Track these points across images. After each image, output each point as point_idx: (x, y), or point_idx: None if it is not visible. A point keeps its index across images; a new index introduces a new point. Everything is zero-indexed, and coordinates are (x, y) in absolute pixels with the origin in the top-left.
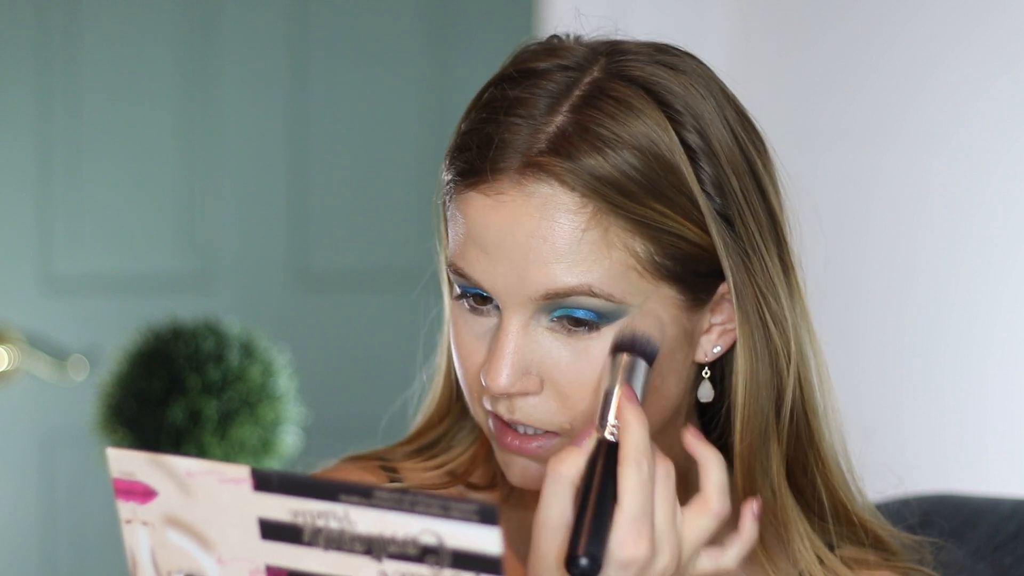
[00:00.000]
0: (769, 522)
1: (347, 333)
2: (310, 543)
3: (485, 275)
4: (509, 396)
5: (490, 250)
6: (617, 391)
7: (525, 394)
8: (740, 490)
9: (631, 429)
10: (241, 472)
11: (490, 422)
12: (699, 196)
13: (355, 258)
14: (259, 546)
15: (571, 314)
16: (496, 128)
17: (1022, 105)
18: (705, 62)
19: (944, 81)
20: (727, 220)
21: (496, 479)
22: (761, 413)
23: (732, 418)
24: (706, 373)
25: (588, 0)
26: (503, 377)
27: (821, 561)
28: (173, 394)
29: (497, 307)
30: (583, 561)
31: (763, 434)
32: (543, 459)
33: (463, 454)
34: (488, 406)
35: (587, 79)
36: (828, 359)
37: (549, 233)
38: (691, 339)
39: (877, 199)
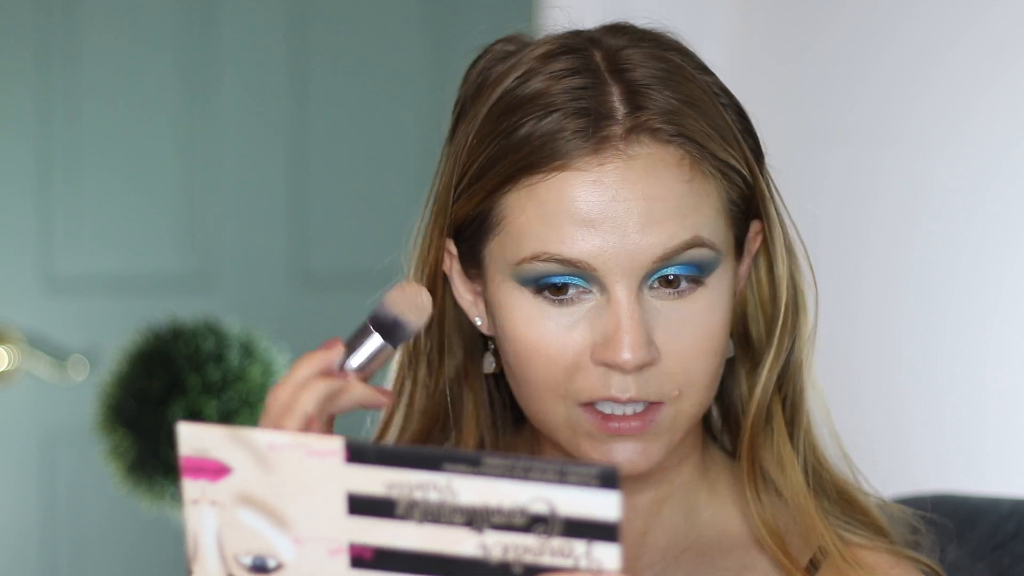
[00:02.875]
0: (765, 483)
1: (347, 333)
2: (404, 517)
3: (593, 253)
4: (635, 371)
5: (597, 224)
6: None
7: (649, 366)
8: (747, 448)
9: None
10: (333, 444)
11: (583, 416)
12: (736, 130)
13: (355, 258)
14: (345, 522)
15: (667, 274)
16: (553, 113)
17: (1023, 104)
18: (703, 60)
19: (945, 81)
20: (757, 155)
21: None
22: (783, 359)
23: (739, 371)
24: None
25: (587, 1)
26: (635, 350)
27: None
28: (173, 394)
29: (586, 290)
30: None
31: (773, 388)
32: (643, 445)
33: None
34: (584, 398)
35: (596, 56)
36: (829, 359)
37: (661, 191)
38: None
39: (878, 199)
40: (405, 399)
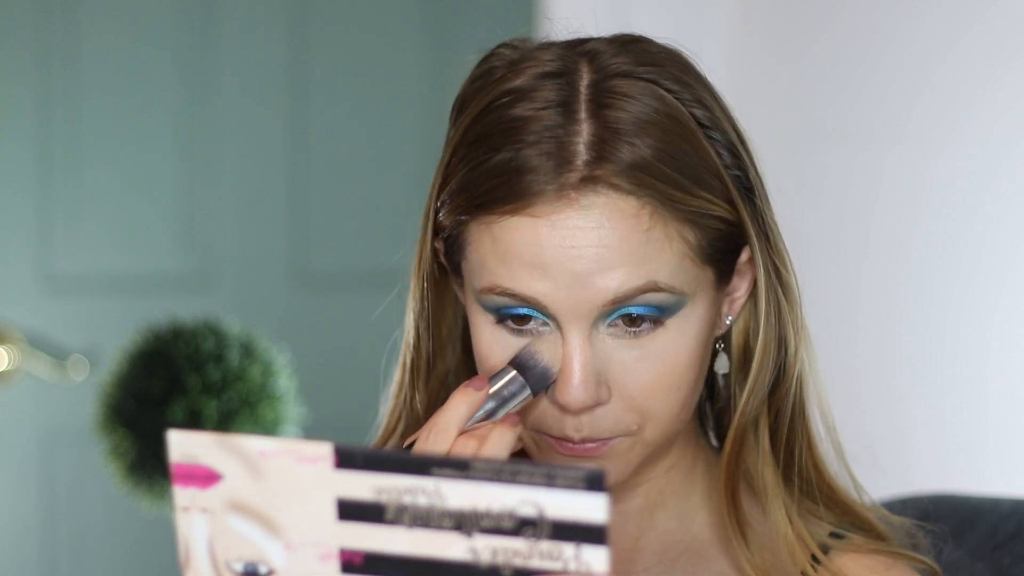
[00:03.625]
0: (749, 492)
1: (347, 333)
2: (393, 522)
3: (544, 293)
4: (585, 412)
5: (549, 268)
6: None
7: (599, 405)
8: (727, 461)
9: (491, 444)
10: (322, 450)
11: (543, 438)
12: (722, 169)
13: (355, 258)
14: (334, 528)
15: (629, 312)
16: (519, 152)
17: (1023, 104)
18: (703, 61)
19: (945, 81)
20: (748, 189)
21: None
22: (767, 378)
23: (734, 385)
24: (720, 346)
25: (588, 3)
26: (581, 392)
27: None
28: (173, 394)
29: (544, 323)
30: None
31: (762, 403)
32: (606, 459)
33: None
34: (544, 430)
35: (583, 83)
36: (829, 359)
37: (615, 240)
38: (718, 316)
39: (878, 199)
40: (405, 405)
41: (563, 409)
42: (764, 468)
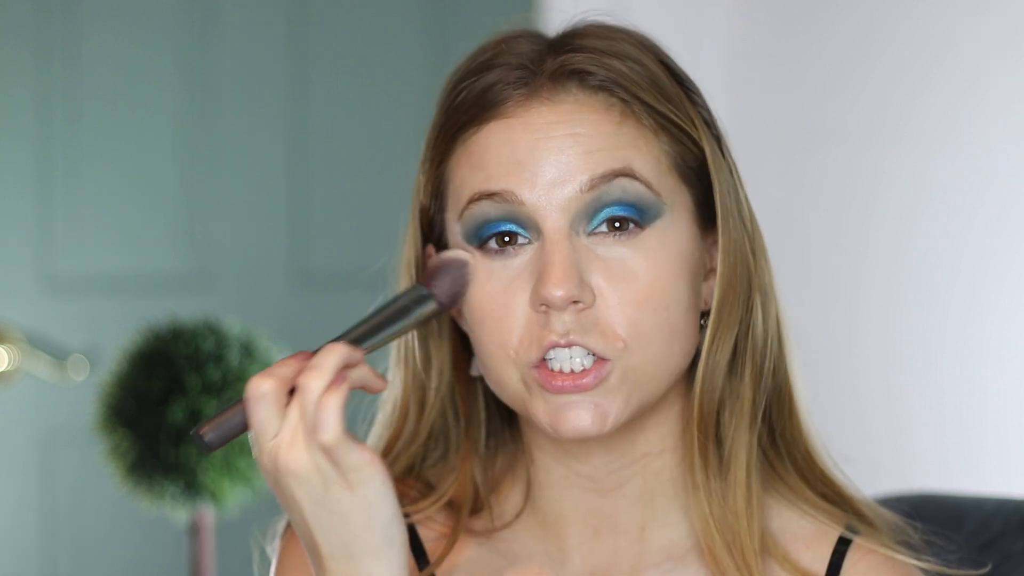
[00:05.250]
0: (716, 457)
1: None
2: None
3: (520, 184)
4: (569, 307)
5: (525, 163)
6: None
7: (582, 307)
8: (701, 409)
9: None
10: None
11: (533, 377)
12: (690, 103)
13: (355, 258)
14: None
15: (613, 213)
16: (488, 72)
17: (1023, 104)
18: (703, 61)
19: (945, 81)
20: (715, 137)
21: (486, 504)
22: (733, 325)
23: (701, 339)
24: (703, 322)
25: (588, 2)
26: (562, 281)
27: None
28: (173, 394)
29: (528, 240)
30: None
31: (736, 360)
32: (595, 400)
33: (446, 478)
34: (533, 355)
35: (549, 37)
36: (829, 359)
37: (588, 130)
38: (699, 287)
39: (878, 199)
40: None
41: (547, 304)
42: (735, 433)
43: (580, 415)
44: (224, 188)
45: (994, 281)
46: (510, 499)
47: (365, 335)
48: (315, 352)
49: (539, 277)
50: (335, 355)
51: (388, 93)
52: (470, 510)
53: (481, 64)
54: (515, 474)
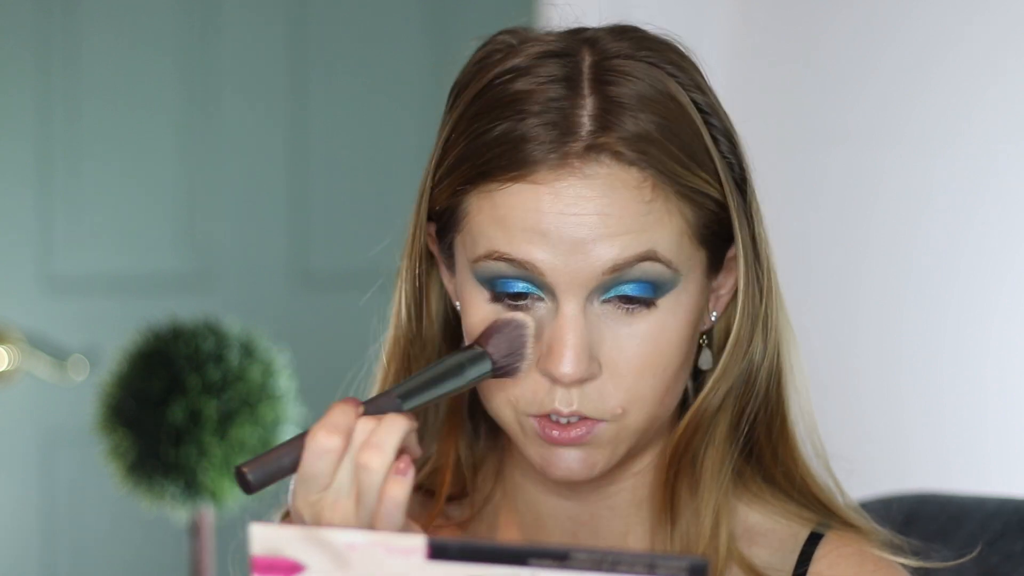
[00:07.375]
0: (689, 479)
1: (347, 333)
2: None
3: (542, 259)
4: (575, 385)
5: (549, 235)
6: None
7: (587, 379)
8: (675, 444)
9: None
10: (414, 542)
11: (529, 423)
12: (716, 154)
13: (355, 258)
14: None
15: (625, 292)
16: (522, 122)
17: (1023, 104)
18: (703, 61)
19: (945, 81)
20: (739, 180)
21: (466, 490)
22: (733, 376)
23: (703, 376)
24: (704, 341)
25: (588, 2)
26: (574, 364)
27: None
28: (173, 394)
29: (541, 298)
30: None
31: (725, 397)
32: (584, 454)
33: (425, 464)
34: (533, 410)
35: (585, 63)
36: (829, 359)
37: (616, 209)
38: (705, 308)
39: (878, 199)
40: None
41: (555, 381)
42: (707, 457)
43: (570, 464)
44: (224, 188)
45: (994, 281)
46: (485, 491)
47: (416, 391)
48: (367, 403)
49: (550, 350)
50: (397, 432)
51: (388, 93)
52: (446, 497)
53: (513, 97)
54: (494, 465)
